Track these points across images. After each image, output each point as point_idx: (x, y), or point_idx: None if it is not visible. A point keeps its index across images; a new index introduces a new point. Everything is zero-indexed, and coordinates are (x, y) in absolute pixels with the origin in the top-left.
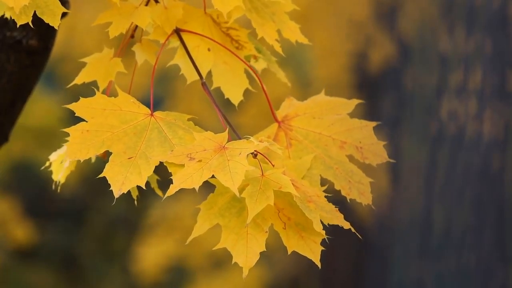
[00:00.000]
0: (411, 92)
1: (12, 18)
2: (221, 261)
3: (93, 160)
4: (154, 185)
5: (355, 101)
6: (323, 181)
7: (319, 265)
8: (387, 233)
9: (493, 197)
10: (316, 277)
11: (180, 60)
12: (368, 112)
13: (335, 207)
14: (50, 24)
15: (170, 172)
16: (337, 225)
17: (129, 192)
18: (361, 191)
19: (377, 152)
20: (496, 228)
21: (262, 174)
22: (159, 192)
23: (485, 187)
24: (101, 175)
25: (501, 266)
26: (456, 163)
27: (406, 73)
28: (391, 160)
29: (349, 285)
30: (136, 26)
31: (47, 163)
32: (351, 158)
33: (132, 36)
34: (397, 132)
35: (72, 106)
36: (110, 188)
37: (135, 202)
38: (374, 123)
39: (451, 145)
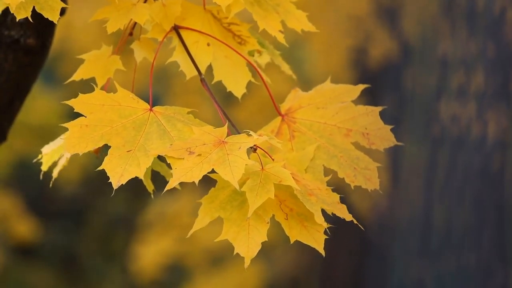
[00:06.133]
0: (411, 92)
1: (10, 17)
2: (220, 259)
3: (80, 154)
4: (169, 178)
5: (361, 87)
6: (327, 172)
7: (323, 253)
8: (387, 233)
9: (493, 197)
10: (316, 276)
11: (179, 56)
12: None
13: (340, 196)
14: (50, 19)
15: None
16: (337, 225)
17: (129, 191)
18: (367, 177)
19: (384, 136)
20: (496, 228)
21: (262, 168)
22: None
23: (485, 187)
24: (99, 168)
25: (501, 266)
26: (456, 163)
27: (406, 73)
28: (399, 143)
29: (349, 285)
30: (135, 24)
31: (39, 156)
32: (356, 145)
33: (131, 34)
34: (397, 132)
35: (71, 102)
36: (109, 180)
37: (152, 195)
38: (380, 108)
39: (451, 145)
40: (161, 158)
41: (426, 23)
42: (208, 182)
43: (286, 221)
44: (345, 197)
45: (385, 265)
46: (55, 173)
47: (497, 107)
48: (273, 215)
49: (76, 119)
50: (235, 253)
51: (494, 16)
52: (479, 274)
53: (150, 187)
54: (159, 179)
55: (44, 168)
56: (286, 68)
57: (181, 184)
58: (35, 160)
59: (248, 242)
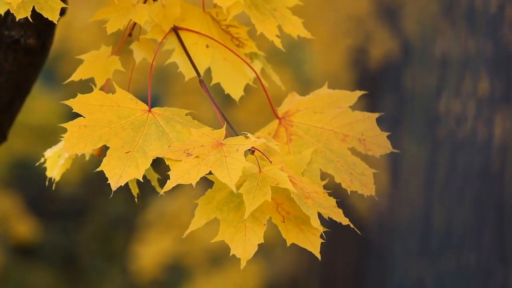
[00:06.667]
0: (411, 92)
1: (10, 17)
2: (220, 259)
3: (87, 158)
4: (155, 183)
5: (358, 93)
6: (324, 176)
7: (319, 256)
8: (387, 233)
9: (493, 197)
10: (316, 276)
11: (178, 57)
12: (368, 111)
13: (337, 200)
14: (50, 19)
15: (168, 169)
16: (337, 225)
17: (128, 191)
18: (363, 183)
19: (380, 143)
20: (496, 228)
21: (260, 171)
22: (160, 190)
23: (485, 187)
24: (98, 169)
25: (501, 266)
26: (456, 163)
27: (407, 73)
28: (395, 151)
29: (349, 285)
30: (134, 25)
31: (42, 159)
32: (353, 151)
33: (130, 35)
34: (397, 132)
35: (69, 102)
36: (108, 182)
37: (135, 200)
38: (376, 114)
39: (451, 145)
40: (154, 161)
41: (427, 22)
42: (207, 182)
43: (283, 224)
44: (345, 197)
45: (385, 265)
46: (57, 176)
47: (498, 107)
48: (270, 218)
49: (75, 120)
50: (231, 254)
51: (495, 16)
52: (479, 274)
53: (135, 190)
54: (159, 179)
55: (49, 174)
56: (276, 79)
57: (180, 184)
58: (37, 163)
59: (244, 244)
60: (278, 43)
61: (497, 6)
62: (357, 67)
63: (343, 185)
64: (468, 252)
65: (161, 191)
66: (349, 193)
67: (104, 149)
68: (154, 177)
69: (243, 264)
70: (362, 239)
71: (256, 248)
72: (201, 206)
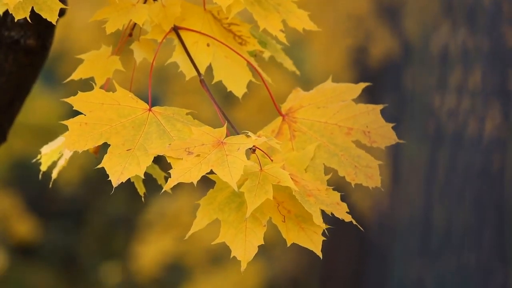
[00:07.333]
0: (411, 92)
1: (10, 18)
2: (219, 258)
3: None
4: (161, 181)
5: (362, 85)
6: (327, 171)
7: (320, 255)
8: (387, 232)
9: (493, 197)
10: (316, 276)
11: (178, 57)
12: None
13: (341, 194)
14: (48, 20)
15: (168, 168)
16: (338, 225)
17: (128, 191)
18: (368, 175)
19: (385, 134)
20: (496, 228)
21: (261, 169)
22: (166, 188)
23: (485, 187)
24: (99, 166)
25: (501, 266)
26: (456, 163)
27: (407, 72)
28: (400, 141)
29: (349, 284)
30: (134, 25)
31: (39, 156)
32: (357, 144)
33: (130, 35)
34: (397, 132)
35: (70, 100)
36: (109, 180)
37: (142, 199)
38: (380, 106)
39: (451, 145)
40: (155, 160)
41: (427, 22)
42: (207, 181)
43: (283, 224)
44: (346, 196)
45: (385, 265)
46: (54, 174)
47: (498, 106)
48: (270, 218)
49: (76, 117)
50: (232, 256)
51: (495, 15)
52: (479, 274)
53: (141, 190)
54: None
55: (43, 168)
56: (289, 64)
57: (180, 183)
58: (34, 160)
59: (245, 246)
60: (282, 37)
61: (498, 5)
62: (357, 67)
63: (347, 179)
64: (468, 252)
65: (164, 188)
66: (353, 186)
67: (101, 147)
68: (160, 175)
69: (243, 266)
70: (362, 239)
71: (256, 250)
72: (203, 207)
